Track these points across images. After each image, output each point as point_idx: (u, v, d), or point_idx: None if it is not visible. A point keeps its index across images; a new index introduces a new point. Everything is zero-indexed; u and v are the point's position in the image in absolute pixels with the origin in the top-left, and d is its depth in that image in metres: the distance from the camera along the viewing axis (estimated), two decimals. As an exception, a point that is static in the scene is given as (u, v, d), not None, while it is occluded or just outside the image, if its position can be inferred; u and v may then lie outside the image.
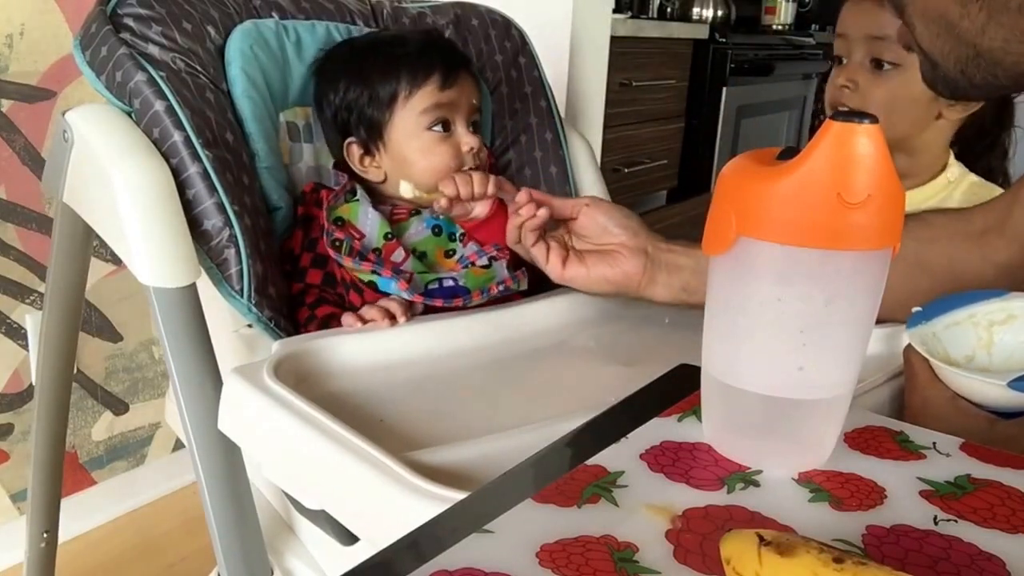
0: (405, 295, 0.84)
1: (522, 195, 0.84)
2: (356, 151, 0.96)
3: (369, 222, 0.91)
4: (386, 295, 0.85)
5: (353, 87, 0.94)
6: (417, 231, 0.93)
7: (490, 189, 0.90)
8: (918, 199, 1.09)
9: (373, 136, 0.94)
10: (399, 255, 0.89)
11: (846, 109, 1.04)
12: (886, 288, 0.44)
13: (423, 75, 0.92)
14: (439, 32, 1.08)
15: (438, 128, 0.93)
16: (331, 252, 0.87)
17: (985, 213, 0.78)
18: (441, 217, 0.94)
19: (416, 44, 0.95)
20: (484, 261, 0.90)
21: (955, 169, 1.11)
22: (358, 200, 0.92)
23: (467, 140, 0.93)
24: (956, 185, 1.10)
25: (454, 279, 0.88)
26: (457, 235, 0.94)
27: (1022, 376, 0.59)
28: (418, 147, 0.93)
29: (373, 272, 0.85)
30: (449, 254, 0.93)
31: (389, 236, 0.90)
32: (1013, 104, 1.13)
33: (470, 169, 0.93)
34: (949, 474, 0.45)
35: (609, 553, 0.37)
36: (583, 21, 1.65)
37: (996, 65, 0.64)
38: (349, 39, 1.01)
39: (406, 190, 0.94)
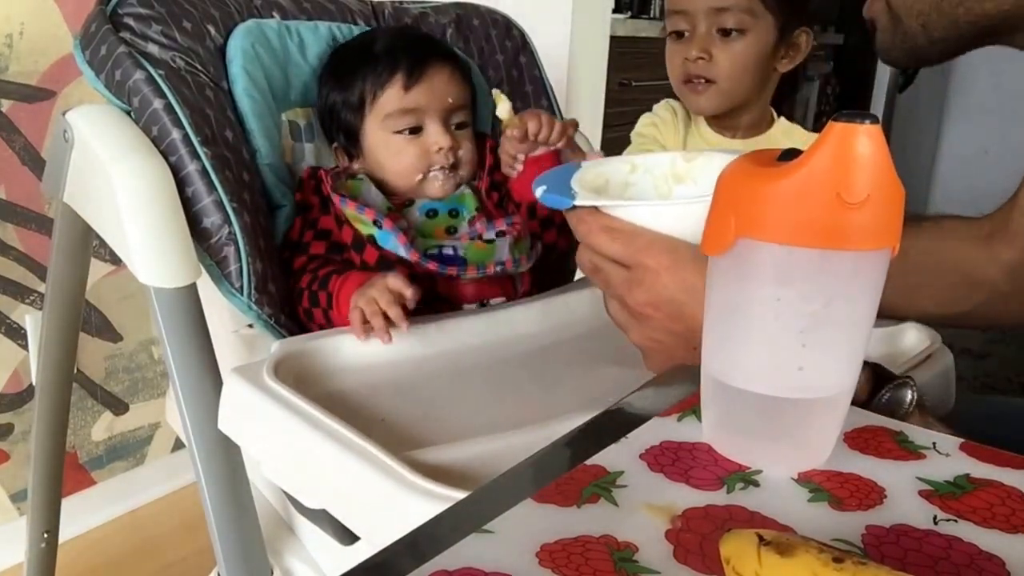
0: (403, 250, 0.84)
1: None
2: (341, 155, 0.96)
3: (372, 197, 0.91)
4: (384, 256, 0.85)
5: (332, 92, 0.95)
6: (413, 217, 0.94)
7: (560, 143, 0.91)
8: (762, 146, 1.15)
9: (351, 141, 0.95)
10: (402, 224, 0.90)
11: (700, 80, 1.11)
12: (894, 282, 0.44)
13: (386, 76, 0.91)
14: (412, 27, 1.06)
15: (405, 131, 0.92)
16: (336, 198, 0.87)
17: (992, 217, 0.81)
18: (439, 202, 0.94)
19: (382, 44, 0.94)
20: (490, 235, 0.91)
21: (782, 120, 1.21)
22: (361, 179, 0.93)
23: (436, 140, 0.91)
24: (788, 134, 1.19)
25: (454, 248, 0.88)
26: (463, 214, 0.94)
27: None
28: (386, 151, 0.93)
29: (375, 223, 0.85)
30: (451, 231, 0.93)
31: (391, 209, 0.91)
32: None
33: (448, 167, 0.92)
34: (948, 474, 0.45)
35: (609, 553, 0.37)
36: (583, 21, 1.65)
37: (959, 5, 0.65)
38: (345, 42, 1.00)
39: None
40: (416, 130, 0.92)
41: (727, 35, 1.10)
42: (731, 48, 1.10)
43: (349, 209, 0.87)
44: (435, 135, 0.91)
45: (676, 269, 0.60)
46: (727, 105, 1.13)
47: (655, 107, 1.23)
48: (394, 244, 0.85)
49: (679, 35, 1.13)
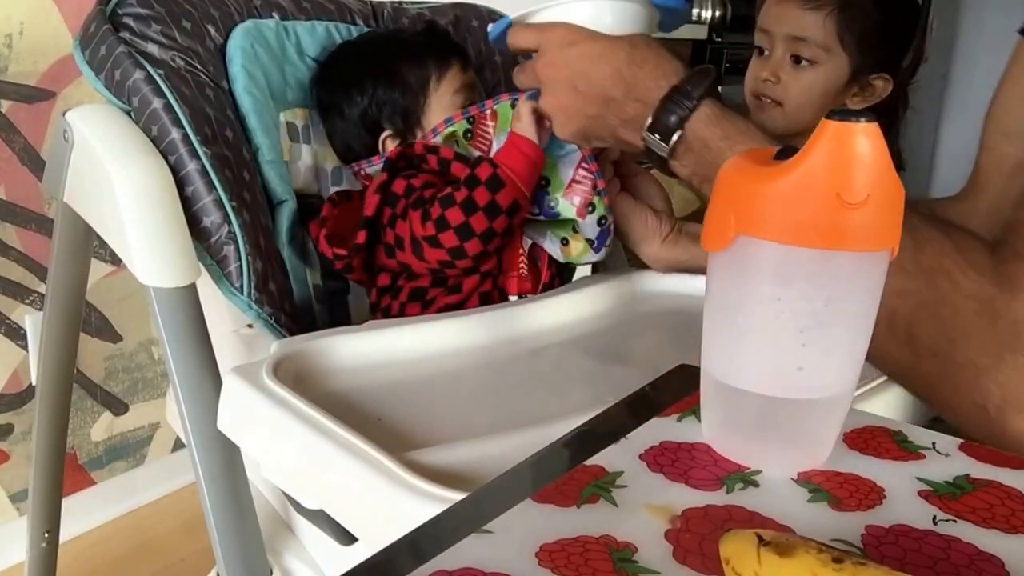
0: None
1: None
2: (391, 144, 0.96)
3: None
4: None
5: (381, 82, 0.95)
6: None
7: None
8: None
9: (410, 124, 0.96)
10: None
11: (768, 99, 1.18)
12: None
13: (447, 59, 0.96)
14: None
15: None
16: (489, 110, 0.92)
17: (964, 187, 0.89)
18: None
19: (434, 33, 1.01)
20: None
21: None
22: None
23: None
24: None
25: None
26: None
27: None
28: None
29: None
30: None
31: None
32: (907, 91, 1.25)
33: None
34: (948, 474, 0.45)
35: (608, 553, 0.37)
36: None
37: None
38: (347, 43, 1.01)
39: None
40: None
41: (798, 63, 1.15)
42: (800, 76, 1.15)
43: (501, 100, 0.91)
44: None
45: (578, 43, 0.75)
46: (790, 128, 1.16)
47: None
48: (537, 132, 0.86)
49: (760, 51, 1.19)
